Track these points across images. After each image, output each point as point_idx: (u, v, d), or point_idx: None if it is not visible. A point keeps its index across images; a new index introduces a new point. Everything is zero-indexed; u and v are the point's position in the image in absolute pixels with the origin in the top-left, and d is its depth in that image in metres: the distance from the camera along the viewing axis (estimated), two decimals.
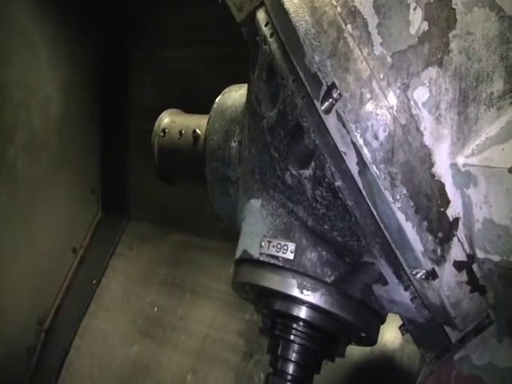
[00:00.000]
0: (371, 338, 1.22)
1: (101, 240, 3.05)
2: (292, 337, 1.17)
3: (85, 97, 2.94)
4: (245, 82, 1.44)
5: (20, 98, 2.55)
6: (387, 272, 1.05)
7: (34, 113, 2.64)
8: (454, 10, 0.96)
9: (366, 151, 0.92)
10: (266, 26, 1.10)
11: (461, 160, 0.96)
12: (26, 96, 2.58)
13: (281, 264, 1.12)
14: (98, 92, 3.01)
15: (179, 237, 2.85)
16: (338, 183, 0.99)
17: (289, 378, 1.16)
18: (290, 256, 1.11)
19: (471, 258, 1.01)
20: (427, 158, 0.94)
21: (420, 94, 0.94)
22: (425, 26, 0.95)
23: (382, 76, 0.93)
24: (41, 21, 2.61)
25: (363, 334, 1.20)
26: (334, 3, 0.95)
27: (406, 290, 1.07)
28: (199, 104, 1.69)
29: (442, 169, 0.96)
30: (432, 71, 0.94)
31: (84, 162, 2.99)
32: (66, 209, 2.90)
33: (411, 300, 1.08)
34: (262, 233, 1.17)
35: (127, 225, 3.08)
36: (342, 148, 0.95)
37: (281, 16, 1.02)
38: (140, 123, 2.60)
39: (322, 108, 0.95)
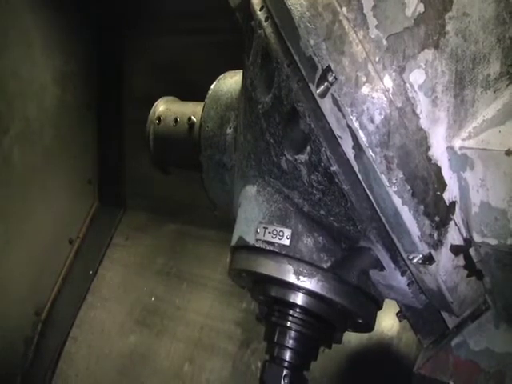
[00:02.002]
0: (368, 325, 1.22)
1: (97, 230, 3.04)
2: (288, 323, 1.16)
3: (80, 86, 2.92)
4: (240, 69, 1.44)
5: (15, 88, 2.53)
6: (384, 257, 1.05)
7: (29, 103, 2.62)
8: None
9: (361, 135, 0.91)
10: (260, 10, 1.09)
11: (457, 143, 0.96)
12: (21, 86, 2.56)
13: (277, 250, 1.12)
14: (94, 81, 3.00)
15: (175, 226, 2.85)
16: (334, 168, 0.98)
17: (285, 364, 1.16)
18: (286, 242, 1.11)
19: (468, 241, 1.00)
20: (423, 142, 0.94)
21: (416, 77, 0.93)
22: (421, 8, 0.94)
23: (377, 59, 0.92)
24: (35, 10, 2.59)
25: (360, 320, 1.20)
26: None
27: (402, 275, 1.07)
28: (194, 91, 1.69)
29: (439, 152, 0.95)
30: (428, 53, 0.93)
31: (80, 151, 2.98)
32: (62, 199, 2.89)
33: (408, 285, 1.08)
34: (257, 219, 1.16)
35: (123, 215, 3.07)
36: (337, 132, 0.94)
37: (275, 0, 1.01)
38: (136, 112, 2.59)
39: (318, 92, 0.94)
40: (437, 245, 0.97)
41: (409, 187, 0.93)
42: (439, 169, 0.96)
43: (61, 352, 2.76)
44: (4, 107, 2.49)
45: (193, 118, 1.63)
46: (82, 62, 2.91)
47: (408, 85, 0.93)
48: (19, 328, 2.73)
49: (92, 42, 2.95)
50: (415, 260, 0.99)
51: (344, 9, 0.93)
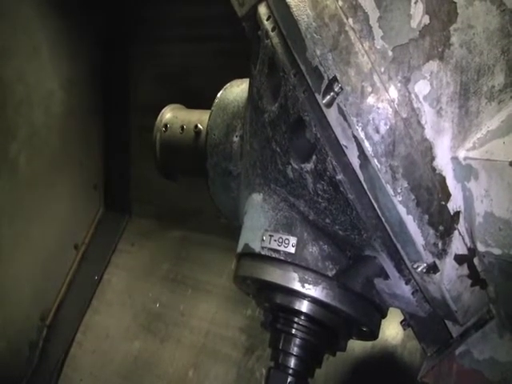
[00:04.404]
0: (372, 333, 1.22)
1: (102, 236, 3.05)
2: (293, 331, 1.17)
3: (87, 92, 2.93)
4: (246, 77, 1.45)
5: (22, 94, 2.54)
6: (388, 266, 1.06)
7: (35, 109, 2.63)
8: (455, 3, 0.96)
9: (367, 144, 0.92)
10: (267, 20, 1.09)
11: (462, 153, 0.97)
12: (28, 92, 2.57)
13: (282, 258, 1.12)
14: (100, 88, 3.00)
15: (181, 233, 2.85)
16: (340, 177, 0.99)
17: (290, 371, 1.16)
18: (292, 250, 1.12)
19: (472, 251, 1.01)
20: (428, 152, 0.95)
21: (421, 88, 0.94)
22: (426, 20, 0.95)
23: (383, 69, 0.93)
24: (42, 16, 2.60)
25: (364, 328, 1.20)
26: None
27: (407, 283, 1.07)
28: (201, 99, 1.70)
29: (443, 162, 0.96)
30: (433, 65, 0.94)
31: (86, 157, 2.98)
32: (67, 205, 2.90)
33: (412, 294, 1.09)
34: (263, 227, 1.17)
35: (129, 221, 3.07)
36: (343, 141, 0.95)
37: (282, 10, 1.02)
38: (142, 119, 2.60)
39: (324, 102, 0.95)
40: (441, 254, 0.98)
41: (413, 197, 0.93)
42: (444, 179, 0.96)
43: (65, 357, 2.76)
44: (11, 113, 2.50)
45: (199, 125, 1.64)
46: (88, 68, 2.92)
47: (413, 95, 0.94)
48: (24, 332, 2.73)
49: (98, 48, 2.96)
50: (419, 269, 0.99)
51: (350, 20, 0.94)
